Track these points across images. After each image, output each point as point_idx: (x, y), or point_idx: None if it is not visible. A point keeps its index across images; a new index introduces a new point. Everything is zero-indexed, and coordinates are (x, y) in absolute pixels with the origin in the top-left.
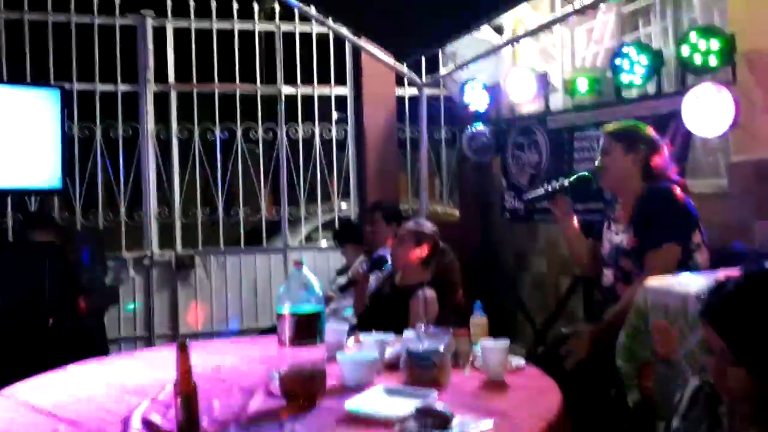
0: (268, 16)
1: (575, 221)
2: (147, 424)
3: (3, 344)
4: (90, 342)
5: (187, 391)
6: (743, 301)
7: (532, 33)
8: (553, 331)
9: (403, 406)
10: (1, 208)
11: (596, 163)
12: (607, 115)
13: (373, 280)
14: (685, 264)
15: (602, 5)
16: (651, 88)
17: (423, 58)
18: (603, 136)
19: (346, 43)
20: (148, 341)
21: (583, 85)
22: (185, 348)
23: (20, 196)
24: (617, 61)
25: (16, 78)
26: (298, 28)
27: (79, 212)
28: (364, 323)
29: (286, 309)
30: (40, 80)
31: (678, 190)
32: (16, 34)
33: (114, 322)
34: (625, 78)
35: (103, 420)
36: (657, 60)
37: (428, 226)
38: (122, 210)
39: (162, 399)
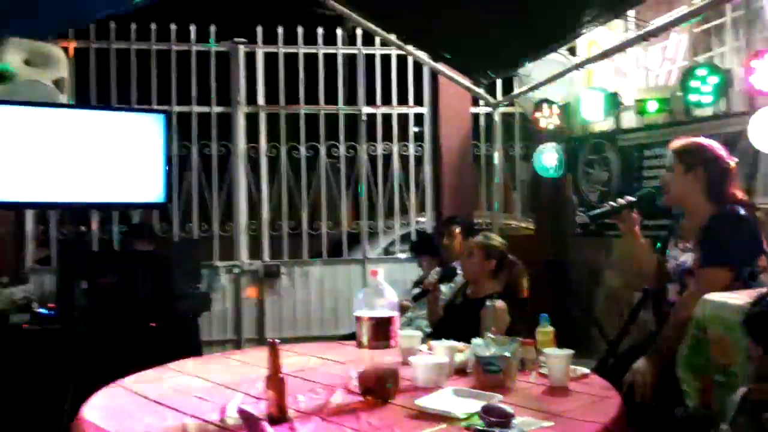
0: (350, 40)
1: (641, 237)
2: (242, 412)
3: (109, 343)
4: (185, 343)
5: (277, 383)
6: None
7: (602, 57)
8: (623, 345)
9: (470, 406)
10: (108, 221)
11: (660, 180)
12: (676, 133)
13: (447, 290)
14: (749, 287)
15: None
16: (720, 107)
17: None
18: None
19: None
20: (237, 344)
21: (652, 104)
22: (275, 347)
23: (126, 210)
24: (687, 80)
25: (122, 103)
26: (379, 51)
27: (177, 224)
28: (437, 332)
29: (363, 313)
30: (143, 104)
31: (744, 212)
32: (123, 63)
33: (207, 325)
34: (694, 97)
35: (203, 409)
36: (726, 80)
37: (496, 240)
38: (215, 223)
39: (254, 393)
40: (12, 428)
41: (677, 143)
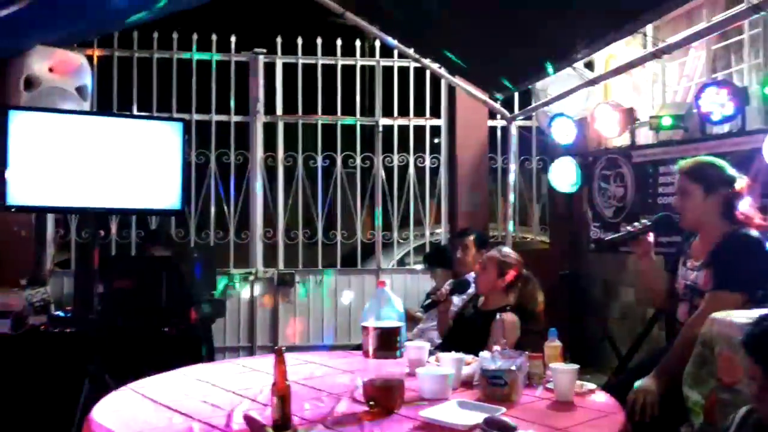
0: (369, 52)
1: (653, 258)
2: (248, 418)
3: (124, 345)
4: (199, 348)
5: (282, 391)
6: None
7: (616, 73)
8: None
9: (473, 418)
10: (125, 226)
11: (673, 203)
12: (691, 151)
13: (458, 301)
14: (763, 307)
15: (695, 42)
16: (736, 125)
17: None
18: (680, 175)
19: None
20: (251, 351)
21: (667, 120)
22: (281, 354)
23: (142, 215)
24: (702, 97)
25: (143, 111)
26: (397, 63)
27: (193, 231)
28: (447, 343)
29: (370, 323)
30: (164, 111)
31: (756, 234)
32: (145, 71)
33: (220, 332)
34: (710, 114)
35: (210, 415)
36: (742, 97)
37: (512, 256)
38: (231, 230)
39: (261, 400)
40: (25, 428)
41: (689, 163)
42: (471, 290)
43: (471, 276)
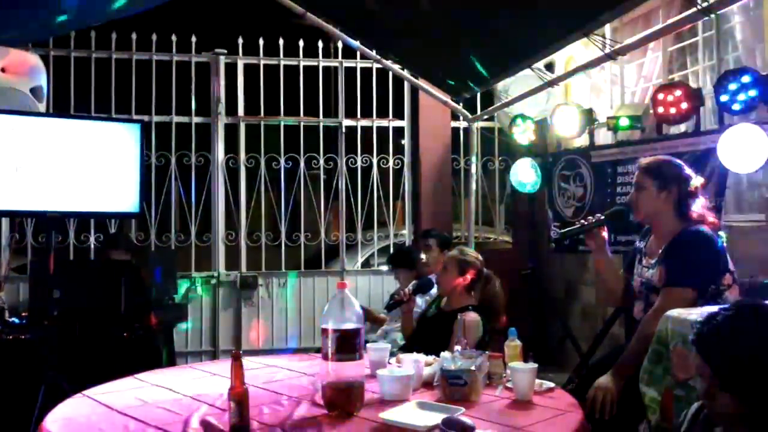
0: (333, 53)
1: (609, 255)
2: (204, 424)
3: (82, 351)
4: (159, 353)
5: (239, 395)
6: (729, 332)
7: (573, 73)
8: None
9: (432, 418)
10: (84, 230)
11: (629, 197)
12: (648, 150)
13: (422, 303)
14: (716, 303)
15: (651, 44)
16: (691, 125)
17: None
18: (637, 171)
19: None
20: (213, 355)
21: (624, 121)
22: (239, 358)
23: (101, 219)
24: (658, 98)
25: (102, 112)
26: (360, 64)
27: (154, 234)
28: (410, 344)
29: (329, 325)
30: (123, 113)
31: (708, 231)
32: (103, 72)
33: (182, 336)
34: (666, 115)
35: (167, 421)
36: (696, 98)
37: (472, 255)
38: (193, 232)
39: (219, 405)
40: None
41: (649, 162)
42: (434, 291)
43: (434, 276)
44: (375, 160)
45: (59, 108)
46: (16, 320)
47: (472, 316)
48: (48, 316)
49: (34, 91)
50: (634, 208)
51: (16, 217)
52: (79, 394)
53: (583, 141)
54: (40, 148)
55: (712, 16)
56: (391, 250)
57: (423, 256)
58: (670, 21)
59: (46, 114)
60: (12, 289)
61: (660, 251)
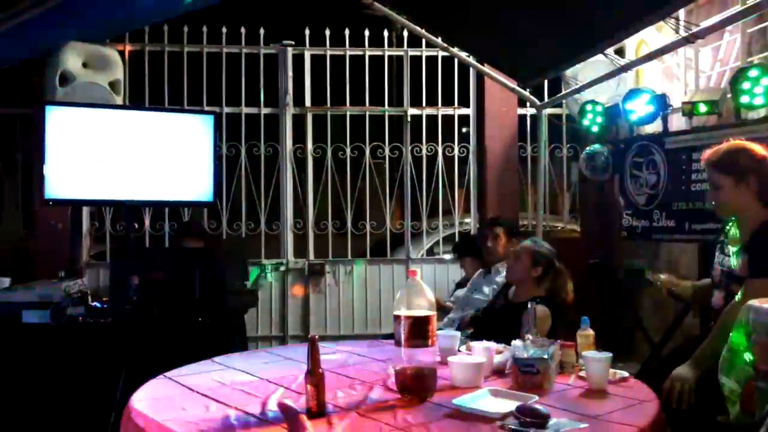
0: (397, 42)
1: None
2: (282, 406)
3: (160, 336)
4: (232, 338)
5: (316, 379)
6: None
7: (647, 59)
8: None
9: (506, 406)
10: (158, 219)
11: (708, 198)
12: (725, 136)
13: (489, 292)
14: None
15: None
16: None
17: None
18: (708, 168)
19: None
20: (282, 340)
21: (702, 107)
22: (315, 343)
23: (176, 207)
24: (738, 82)
25: (174, 104)
26: (425, 53)
27: (225, 222)
28: (478, 335)
29: (401, 312)
30: (194, 105)
31: None
32: (176, 65)
33: (253, 322)
34: (745, 99)
35: (245, 402)
36: None
37: (545, 247)
38: (262, 221)
39: (294, 388)
40: (65, 416)
41: (714, 154)
42: (500, 279)
43: (502, 265)
44: (440, 149)
45: (134, 100)
46: (98, 305)
47: (542, 308)
48: (128, 301)
49: (113, 84)
50: (716, 208)
51: (96, 206)
52: (161, 376)
53: (656, 127)
54: (119, 140)
55: None
56: (456, 239)
57: (489, 244)
58: (751, 1)
59: (124, 107)
60: (92, 275)
61: (744, 240)
